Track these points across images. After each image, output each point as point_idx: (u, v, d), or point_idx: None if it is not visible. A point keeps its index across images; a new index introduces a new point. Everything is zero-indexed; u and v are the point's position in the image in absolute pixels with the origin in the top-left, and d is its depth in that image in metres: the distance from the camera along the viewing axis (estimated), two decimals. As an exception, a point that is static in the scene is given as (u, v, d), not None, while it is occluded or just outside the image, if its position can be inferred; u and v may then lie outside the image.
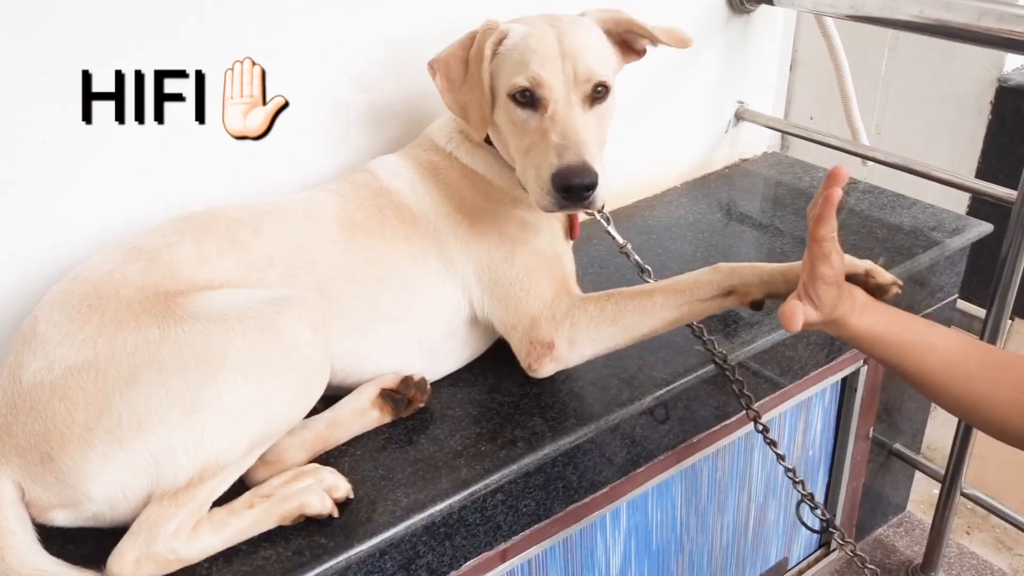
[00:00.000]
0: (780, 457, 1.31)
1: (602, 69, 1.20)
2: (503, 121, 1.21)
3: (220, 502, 1.04)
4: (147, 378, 0.97)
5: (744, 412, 1.31)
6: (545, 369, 1.21)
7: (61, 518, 0.99)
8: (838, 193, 0.98)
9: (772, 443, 1.31)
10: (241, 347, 1.00)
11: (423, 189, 1.28)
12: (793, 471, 1.33)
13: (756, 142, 2.11)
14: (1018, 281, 1.53)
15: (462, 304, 1.26)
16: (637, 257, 1.35)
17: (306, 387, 1.08)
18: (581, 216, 1.39)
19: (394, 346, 1.23)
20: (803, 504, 1.35)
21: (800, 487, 1.33)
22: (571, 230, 1.39)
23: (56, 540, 1.01)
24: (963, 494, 1.77)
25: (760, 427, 1.31)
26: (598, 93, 1.19)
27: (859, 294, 1.10)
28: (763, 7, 1.87)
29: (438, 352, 1.28)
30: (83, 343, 0.99)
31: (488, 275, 1.24)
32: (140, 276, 1.06)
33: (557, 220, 1.34)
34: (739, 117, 2.02)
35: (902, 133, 2.46)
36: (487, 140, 1.29)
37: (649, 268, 1.35)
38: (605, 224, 1.39)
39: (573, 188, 1.09)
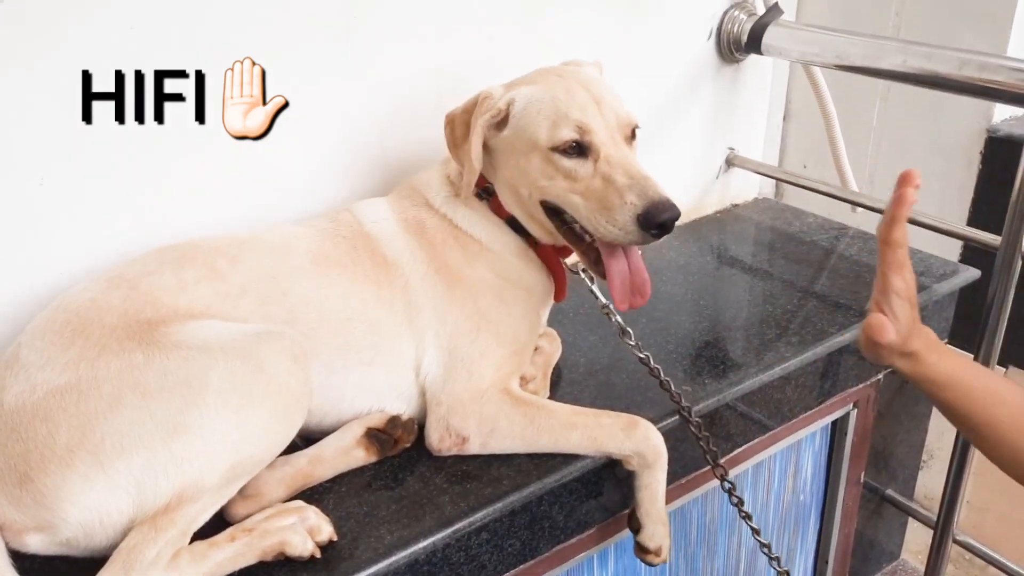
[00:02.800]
0: (746, 516, 1.32)
1: (633, 111, 1.27)
2: (537, 171, 1.24)
3: (202, 538, 1.04)
4: (131, 401, 0.98)
5: (711, 469, 1.32)
6: (448, 451, 1.23)
7: (35, 543, 0.99)
8: (912, 193, 0.98)
9: (739, 502, 1.32)
10: (223, 374, 1.02)
11: (403, 242, 1.29)
12: (759, 531, 1.34)
13: (747, 188, 2.14)
14: (1005, 325, 1.55)
15: (410, 362, 1.26)
16: (619, 318, 1.36)
17: (286, 415, 1.08)
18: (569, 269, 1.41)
19: (368, 388, 1.24)
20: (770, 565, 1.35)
21: (767, 550, 1.33)
22: (558, 290, 1.39)
23: (41, 571, 1.01)
24: (955, 541, 1.76)
25: (735, 499, 1.32)
26: (633, 135, 1.26)
27: (931, 333, 1.09)
28: (752, 56, 1.92)
29: (415, 404, 1.27)
30: (65, 366, 1.00)
31: (447, 342, 1.25)
32: (122, 303, 1.08)
33: (538, 291, 1.35)
34: (730, 163, 2.05)
35: (894, 181, 2.49)
36: (479, 196, 1.32)
37: (630, 331, 1.36)
38: (589, 283, 1.41)
39: (666, 224, 1.14)
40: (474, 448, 1.22)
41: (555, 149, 1.21)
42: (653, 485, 1.24)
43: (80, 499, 0.96)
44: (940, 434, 2.16)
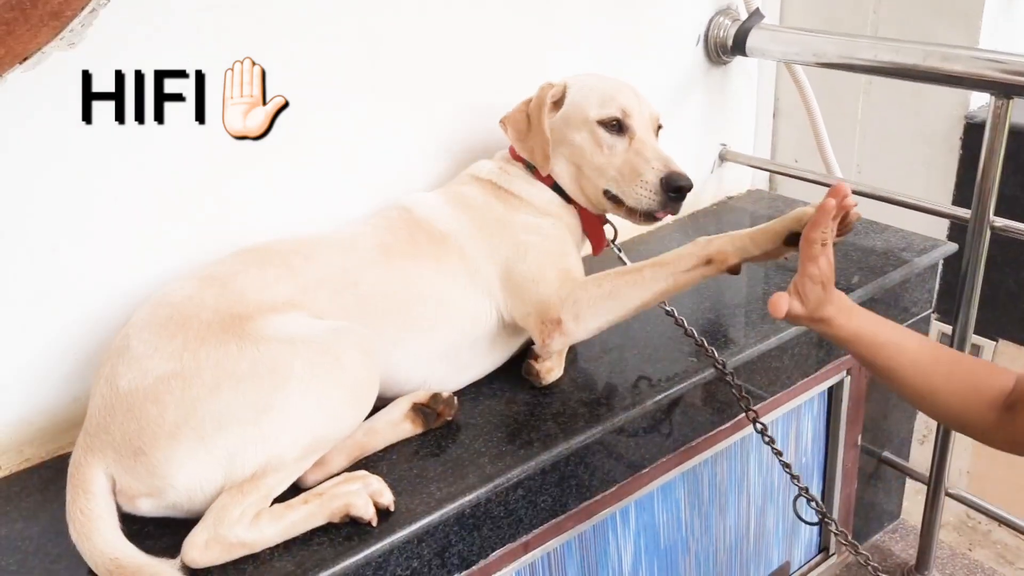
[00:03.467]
0: (778, 452, 1.46)
1: (660, 112, 1.55)
2: (584, 142, 1.50)
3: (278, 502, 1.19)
4: (228, 386, 1.13)
5: (744, 414, 1.47)
6: (556, 343, 1.38)
7: (146, 506, 1.14)
8: (831, 203, 1.15)
9: (771, 440, 1.46)
10: (305, 364, 1.17)
11: (451, 215, 1.48)
12: (790, 466, 1.47)
13: (740, 180, 2.30)
14: (978, 293, 1.70)
15: (488, 309, 1.43)
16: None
17: (356, 401, 1.24)
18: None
19: (422, 356, 1.39)
20: (799, 499, 1.49)
21: (796, 481, 1.47)
22: (596, 246, 1.62)
23: (138, 536, 1.17)
24: (948, 494, 1.90)
25: (759, 426, 1.46)
26: (658, 131, 1.55)
27: (845, 299, 1.26)
28: (738, 58, 2.08)
29: (462, 360, 1.44)
30: (171, 356, 1.15)
31: (507, 275, 1.42)
32: (215, 300, 1.23)
33: (575, 233, 1.55)
34: (723, 158, 2.21)
35: (881, 171, 2.64)
36: (526, 167, 1.56)
37: (673, 310, 1.56)
38: (617, 251, 1.62)
39: (682, 188, 1.42)
40: (570, 324, 1.35)
41: (601, 123, 1.48)
42: (736, 238, 1.37)
43: (185, 469, 1.11)
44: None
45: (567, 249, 1.48)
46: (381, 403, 1.36)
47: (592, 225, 1.58)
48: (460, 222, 1.47)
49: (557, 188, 1.55)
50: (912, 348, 1.23)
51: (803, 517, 1.56)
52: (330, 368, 1.20)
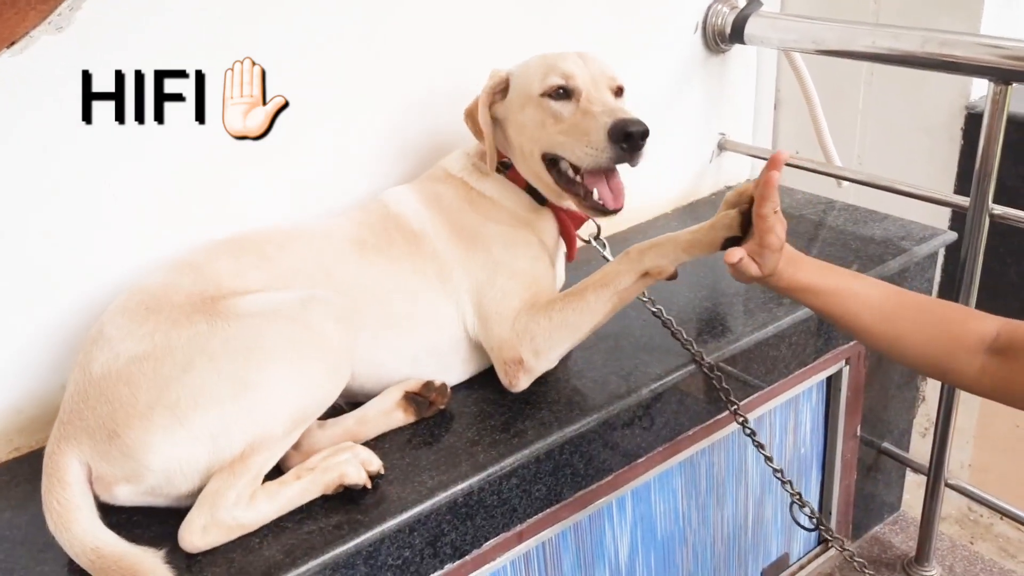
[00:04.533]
0: (768, 458, 1.45)
1: (618, 73, 1.43)
2: (532, 122, 1.40)
3: (268, 480, 1.18)
4: (200, 363, 1.12)
5: (730, 412, 1.45)
6: (521, 383, 1.38)
7: (124, 493, 1.14)
8: (776, 176, 1.16)
9: (759, 445, 1.45)
10: (278, 335, 1.17)
11: (426, 214, 1.45)
12: (781, 471, 1.46)
13: (739, 170, 2.28)
14: (978, 279, 1.68)
15: (456, 320, 1.40)
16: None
17: (335, 369, 1.23)
18: (580, 240, 1.56)
19: (405, 354, 1.38)
20: (794, 504, 1.48)
21: (788, 487, 1.46)
22: (569, 250, 1.56)
23: (125, 525, 1.16)
24: (948, 485, 1.89)
25: (748, 431, 1.45)
26: (619, 93, 1.42)
27: (790, 250, 1.25)
28: (737, 46, 2.06)
29: (447, 361, 1.42)
30: (143, 337, 1.15)
31: (476, 295, 1.40)
32: (189, 285, 1.23)
33: (547, 238, 1.49)
34: (722, 147, 2.19)
35: (882, 160, 2.62)
36: (497, 170, 1.47)
37: (653, 300, 1.52)
38: (601, 249, 1.56)
39: (632, 135, 1.27)
40: (533, 363, 1.35)
41: (544, 95, 1.38)
42: (669, 249, 1.35)
43: (161, 449, 1.10)
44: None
45: (539, 268, 1.44)
46: (369, 398, 1.36)
47: (564, 222, 1.52)
48: (435, 224, 1.44)
49: (531, 189, 1.49)
50: (868, 294, 1.23)
51: (800, 522, 1.54)
52: (302, 337, 1.19)
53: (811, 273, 1.24)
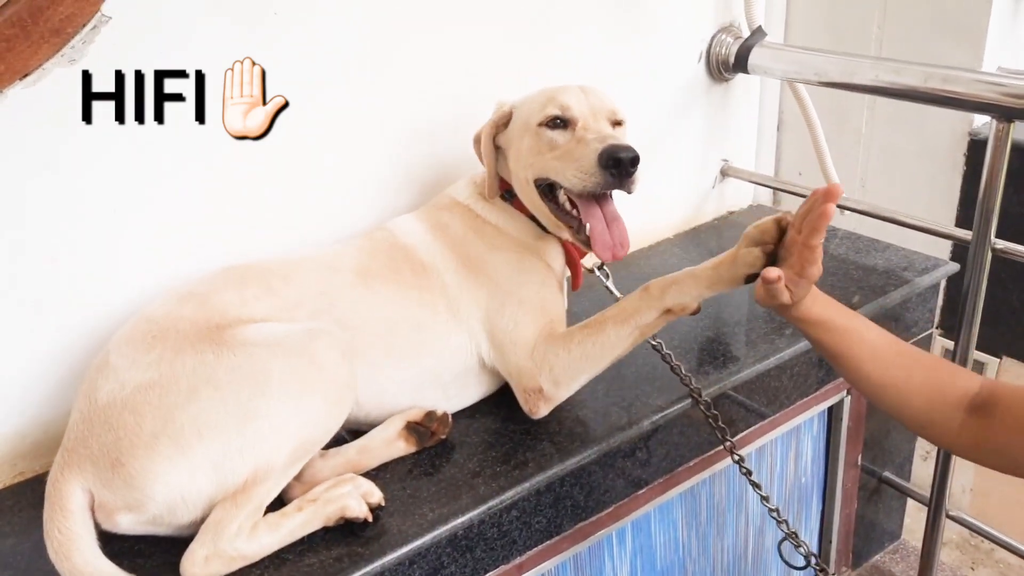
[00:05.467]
0: (764, 498, 1.44)
1: (620, 107, 1.45)
2: (528, 149, 1.42)
3: (270, 511, 1.19)
4: (205, 393, 1.13)
5: (725, 449, 1.45)
6: (541, 411, 1.39)
7: (126, 522, 1.14)
8: (833, 208, 1.15)
9: (755, 485, 1.43)
10: (283, 367, 1.18)
11: (434, 246, 1.46)
12: (777, 510, 1.44)
13: (742, 196, 2.29)
14: (980, 312, 1.69)
15: (470, 349, 1.42)
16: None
17: (337, 401, 1.24)
18: (585, 264, 1.57)
19: (409, 383, 1.39)
20: (785, 542, 1.46)
21: (785, 526, 1.44)
22: (574, 279, 1.57)
23: (128, 554, 1.16)
24: (949, 516, 1.89)
25: (744, 469, 1.44)
26: (617, 125, 1.44)
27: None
28: (740, 75, 2.07)
29: (450, 390, 1.43)
30: (148, 366, 1.15)
31: (487, 324, 1.41)
32: (193, 314, 1.24)
33: (554, 264, 1.51)
34: (724, 173, 2.20)
35: (885, 187, 2.63)
36: (502, 197, 1.50)
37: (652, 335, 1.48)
38: (604, 280, 1.57)
39: (622, 161, 1.28)
40: (553, 392, 1.36)
41: (542, 124, 1.40)
42: (691, 286, 1.34)
43: (164, 479, 1.11)
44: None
45: (547, 295, 1.45)
46: (372, 427, 1.36)
47: (568, 252, 1.54)
48: (443, 255, 1.45)
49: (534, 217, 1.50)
50: (874, 339, 1.24)
51: (789, 561, 1.53)
52: (307, 369, 1.20)
53: (827, 308, 1.25)
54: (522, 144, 1.44)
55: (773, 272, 1.19)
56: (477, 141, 1.51)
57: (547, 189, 1.43)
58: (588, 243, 1.38)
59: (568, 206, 1.41)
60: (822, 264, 1.20)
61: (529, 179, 1.44)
